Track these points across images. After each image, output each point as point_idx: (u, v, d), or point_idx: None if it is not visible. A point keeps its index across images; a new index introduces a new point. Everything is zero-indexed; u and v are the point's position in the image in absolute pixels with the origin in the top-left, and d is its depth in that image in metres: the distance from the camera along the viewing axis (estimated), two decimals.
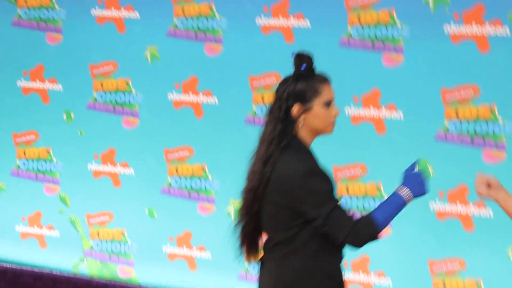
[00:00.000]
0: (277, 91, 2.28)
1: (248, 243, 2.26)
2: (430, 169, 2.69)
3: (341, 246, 2.26)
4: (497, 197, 2.18)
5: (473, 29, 3.15)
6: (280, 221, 2.22)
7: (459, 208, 3.21)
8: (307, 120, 2.24)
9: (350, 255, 3.25)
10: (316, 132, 2.30)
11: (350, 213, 2.20)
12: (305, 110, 2.20)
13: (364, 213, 2.24)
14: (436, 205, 3.20)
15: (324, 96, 2.22)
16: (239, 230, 2.25)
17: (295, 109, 2.18)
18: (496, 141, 3.03)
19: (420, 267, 3.25)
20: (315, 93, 2.22)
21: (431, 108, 3.20)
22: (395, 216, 2.27)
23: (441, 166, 3.14)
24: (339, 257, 2.27)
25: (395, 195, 2.30)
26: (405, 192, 2.28)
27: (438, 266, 3.30)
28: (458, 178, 3.14)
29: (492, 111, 3.07)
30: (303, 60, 2.25)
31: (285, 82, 2.27)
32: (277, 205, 2.21)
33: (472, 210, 3.23)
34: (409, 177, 2.34)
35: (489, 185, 2.39)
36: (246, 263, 3.42)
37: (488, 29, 3.13)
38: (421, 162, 2.85)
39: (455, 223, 3.25)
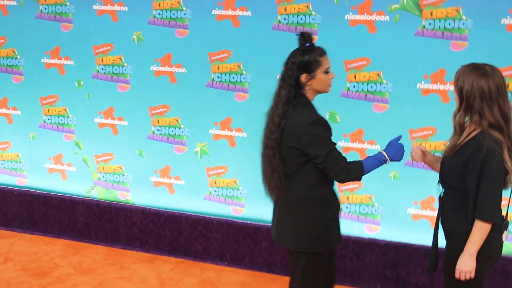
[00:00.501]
0: (287, 63, 2.74)
1: (279, 182, 2.77)
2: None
3: (334, 179, 2.76)
4: (428, 161, 2.82)
5: None
6: (289, 159, 2.72)
7: None
8: (312, 84, 2.71)
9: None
10: (318, 92, 2.78)
11: (342, 157, 2.70)
12: (311, 77, 2.68)
13: (357, 160, 2.76)
14: None
15: (324, 65, 2.69)
16: (271, 176, 2.78)
17: (303, 77, 2.67)
18: None
19: None
20: (317, 64, 2.68)
21: None
22: (374, 169, 2.80)
23: None
24: (331, 187, 2.81)
25: (380, 154, 2.80)
26: (387, 155, 2.78)
27: None
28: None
29: None
30: (306, 38, 2.71)
31: (293, 56, 2.72)
32: (289, 147, 2.69)
33: None
34: (392, 145, 2.82)
35: (423, 153, 2.82)
36: (209, 188, 4.34)
37: None
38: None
39: None
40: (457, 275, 2.46)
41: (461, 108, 2.44)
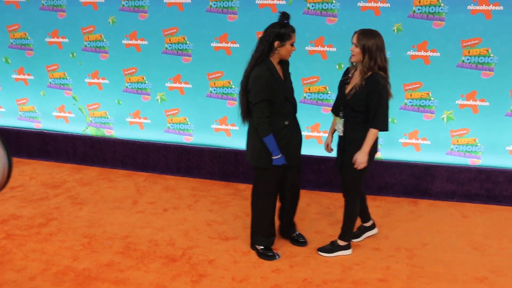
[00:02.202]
0: (266, 30, 3.06)
1: (243, 114, 3.21)
2: None
3: (278, 116, 3.08)
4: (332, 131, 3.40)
5: None
6: (248, 101, 3.14)
7: None
8: (280, 51, 3.07)
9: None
10: (281, 57, 3.12)
11: (267, 113, 3.05)
12: (281, 45, 3.05)
13: (269, 129, 3.05)
14: None
15: (292, 39, 3.05)
16: (240, 108, 3.18)
17: (276, 43, 3.02)
18: None
19: None
20: (288, 37, 3.04)
21: None
22: (268, 146, 3.12)
23: None
24: (280, 122, 3.13)
25: (277, 152, 3.16)
26: (276, 157, 3.17)
27: None
28: None
29: None
30: (286, 17, 3.04)
31: (273, 26, 3.04)
32: (248, 90, 3.10)
33: None
34: (281, 161, 3.20)
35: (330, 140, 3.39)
36: (168, 124, 5.02)
37: None
38: None
39: None
40: (356, 166, 3.17)
41: (365, 57, 3.03)
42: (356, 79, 3.17)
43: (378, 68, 3.07)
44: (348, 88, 3.20)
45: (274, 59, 3.09)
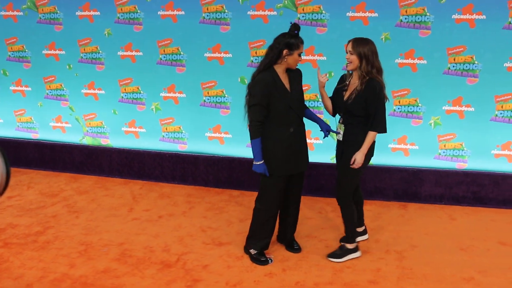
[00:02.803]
0: (277, 39, 3.09)
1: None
2: None
3: (282, 123, 3.10)
4: (323, 92, 3.31)
5: None
6: None
7: None
8: (288, 59, 3.10)
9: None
10: (288, 66, 3.13)
11: (258, 117, 3.05)
12: (289, 54, 3.08)
13: (259, 133, 3.06)
14: None
15: (300, 50, 3.09)
16: (245, 109, 3.13)
17: (285, 52, 3.06)
18: None
19: None
20: (297, 47, 3.08)
21: None
22: (253, 150, 3.13)
23: None
24: (280, 127, 3.13)
25: (259, 158, 3.16)
26: (258, 162, 3.15)
27: None
28: None
29: None
30: (297, 28, 3.08)
31: (283, 35, 3.07)
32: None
33: None
34: (262, 168, 3.16)
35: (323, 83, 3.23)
36: (163, 133, 5.01)
37: None
38: None
39: None
40: (352, 165, 3.21)
41: (362, 63, 3.09)
42: (353, 85, 3.22)
43: (376, 71, 3.14)
44: (347, 95, 3.25)
45: (281, 67, 3.14)
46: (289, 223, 3.64)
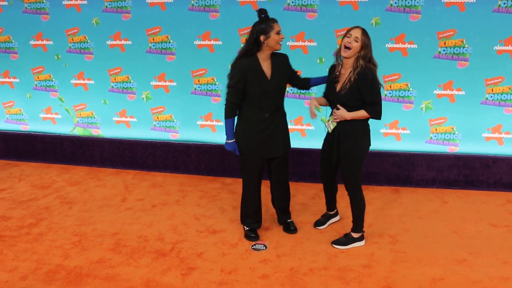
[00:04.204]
0: (252, 29, 3.13)
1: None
2: None
3: (257, 108, 3.16)
4: (323, 104, 3.30)
5: None
6: None
7: None
8: (268, 43, 3.11)
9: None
10: (272, 49, 3.14)
11: (232, 100, 3.15)
12: (267, 37, 3.10)
13: (234, 113, 3.17)
14: None
15: (275, 28, 3.09)
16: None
17: (262, 38, 3.08)
18: None
19: None
20: (270, 27, 3.09)
21: None
22: (225, 128, 3.23)
23: None
24: (254, 111, 3.20)
25: (231, 136, 3.26)
26: (230, 141, 3.25)
27: None
28: None
29: None
30: (262, 12, 3.13)
31: (254, 25, 3.14)
32: None
33: None
34: (233, 146, 3.30)
35: (315, 106, 3.17)
36: (154, 122, 4.98)
37: None
38: None
39: None
40: (335, 117, 3.20)
41: (361, 52, 3.08)
42: (344, 76, 3.18)
43: (369, 62, 3.13)
44: (339, 86, 3.21)
45: (264, 53, 3.15)
46: (279, 208, 3.71)
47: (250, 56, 3.15)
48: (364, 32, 3.12)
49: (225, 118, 3.23)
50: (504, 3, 4.23)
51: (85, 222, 4.04)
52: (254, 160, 3.36)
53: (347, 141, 3.25)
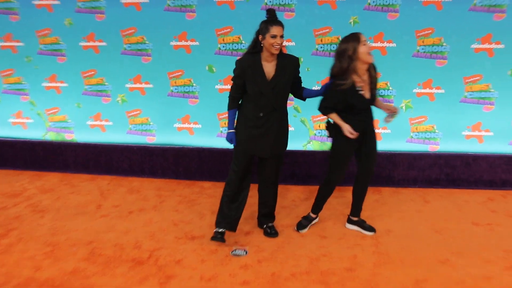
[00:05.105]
0: (258, 29, 3.15)
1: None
2: None
3: (254, 105, 3.19)
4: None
5: None
6: None
7: None
8: (264, 44, 3.13)
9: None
10: (268, 51, 3.15)
11: (233, 93, 3.24)
12: (263, 38, 3.11)
13: (236, 105, 3.24)
14: None
15: (271, 32, 3.06)
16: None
17: (260, 37, 3.13)
18: None
19: None
20: (267, 30, 3.08)
21: None
22: (229, 120, 3.28)
23: None
24: (251, 106, 3.23)
25: (231, 126, 3.31)
26: (230, 131, 3.30)
27: None
28: None
29: None
30: (268, 12, 3.13)
31: (259, 24, 3.14)
32: None
33: None
34: (232, 138, 3.32)
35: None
36: (130, 125, 4.94)
37: None
38: None
39: None
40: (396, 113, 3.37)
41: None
42: (365, 82, 3.20)
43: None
44: (367, 93, 3.22)
45: (265, 53, 3.15)
46: (262, 213, 3.66)
47: (254, 54, 3.17)
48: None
49: (228, 109, 3.33)
50: (480, 2, 4.24)
51: (58, 231, 3.89)
52: (241, 153, 3.34)
53: (373, 134, 3.46)
